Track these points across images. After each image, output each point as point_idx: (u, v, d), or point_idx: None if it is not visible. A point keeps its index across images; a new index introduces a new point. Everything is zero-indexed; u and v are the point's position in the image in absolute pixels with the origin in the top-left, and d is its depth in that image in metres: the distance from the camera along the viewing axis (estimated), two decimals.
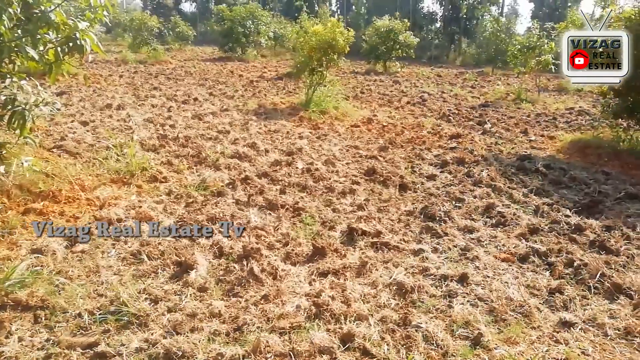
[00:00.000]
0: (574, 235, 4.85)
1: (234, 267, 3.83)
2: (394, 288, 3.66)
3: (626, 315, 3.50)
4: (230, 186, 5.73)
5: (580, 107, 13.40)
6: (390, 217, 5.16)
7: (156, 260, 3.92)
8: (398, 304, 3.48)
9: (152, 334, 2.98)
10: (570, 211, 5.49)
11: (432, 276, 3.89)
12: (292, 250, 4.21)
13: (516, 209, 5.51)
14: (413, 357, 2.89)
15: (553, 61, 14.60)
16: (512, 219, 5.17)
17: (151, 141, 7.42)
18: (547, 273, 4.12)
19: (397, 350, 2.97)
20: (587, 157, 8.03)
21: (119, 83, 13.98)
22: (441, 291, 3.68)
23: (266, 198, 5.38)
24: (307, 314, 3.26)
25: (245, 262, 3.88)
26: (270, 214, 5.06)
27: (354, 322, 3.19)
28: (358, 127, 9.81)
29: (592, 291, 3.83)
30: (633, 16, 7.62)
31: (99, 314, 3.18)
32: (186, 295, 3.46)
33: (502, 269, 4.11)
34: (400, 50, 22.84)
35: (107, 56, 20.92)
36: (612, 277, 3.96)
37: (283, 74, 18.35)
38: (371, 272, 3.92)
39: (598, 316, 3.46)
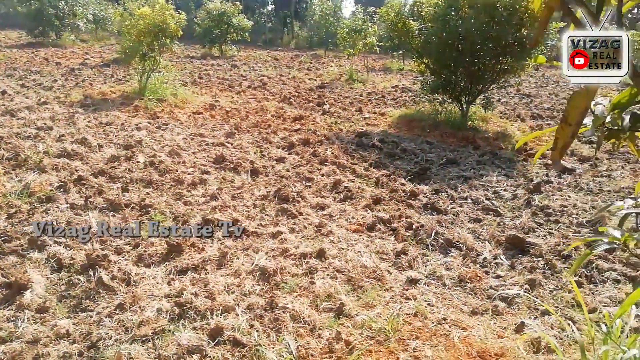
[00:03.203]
0: (410, 201, 5.42)
1: (79, 279, 3.43)
2: (257, 274, 3.67)
3: (458, 265, 4.05)
4: (62, 189, 5.07)
5: (403, 84, 14.87)
6: (246, 203, 5.12)
7: None
8: (263, 288, 3.50)
9: None
10: (404, 179, 6.11)
11: (292, 256, 3.98)
12: (145, 251, 3.93)
13: (360, 182, 5.93)
14: (283, 338, 2.94)
15: (377, 43, 15.91)
16: (357, 192, 5.55)
17: None
18: (392, 238, 4.53)
19: (267, 335, 2.99)
20: (413, 130, 8.99)
21: None
22: (302, 269, 3.80)
23: (107, 198, 4.89)
24: (169, 315, 3.09)
25: (91, 272, 3.50)
26: (113, 215, 4.63)
27: (221, 315, 3.12)
28: (201, 114, 9.48)
29: (430, 248, 4.34)
30: (440, 2, 8.66)
31: None
32: (22, 319, 3.00)
33: (354, 240, 4.41)
34: (235, 34, 22.56)
35: None
36: (444, 234, 4.53)
37: (109, 60, 16.73)
38: (232, 261, 3.86)
39: (437, 270, 3.93)
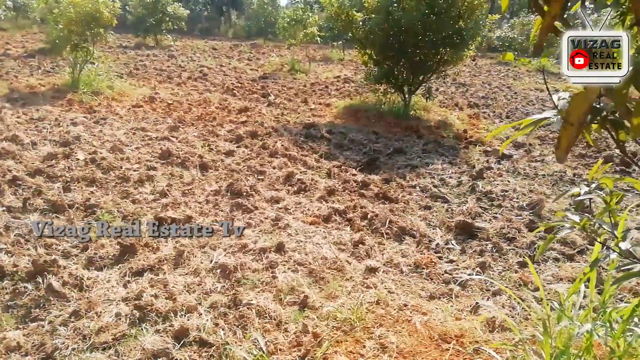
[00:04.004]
0: (362, 191, 5.51)
1: (25, 287, 3.22)
2: (218, 271, 3.60)
3: (413, 252, 4.19)
4: None
5: (345, 75, 15.01)
6: (198, 199, 5.00)
7: None
8: (224, 286, 3.45)
9: None
10: (355, 170, 6.20)
11: (251, 252, 3.94)
12: (95, 253, 3.75)
13: (312, 174, 5.96)
14: (250, 335, 2.93)
15: (318, 33, 15.93)
16: (310, 184, 5.57)
17: None
18: (349, 228, 4.60)
19: (233, 333, 2.96)
20: (359, 120, 9.12)
21: None
22: (262, 264, 3.77)
23: (47, 199, 4.61)
24: (130, 320, 2.98)
25: (39, 279, 3.29)
26: (56, 217, 4.37)
27: (184, 315, 3.05)
28: (141, 107, 9.09)
29: (385, 237, 4.45)
30: None
31: None
32: None
33: (312, 232, 4.43)
34: (170, 23, 21.75)
35: None
36: (397, 222, 4.66)
37: (34, 50, 15.60)
38: (190, 260, 3.77)
39: (393, 257, 4.04)
